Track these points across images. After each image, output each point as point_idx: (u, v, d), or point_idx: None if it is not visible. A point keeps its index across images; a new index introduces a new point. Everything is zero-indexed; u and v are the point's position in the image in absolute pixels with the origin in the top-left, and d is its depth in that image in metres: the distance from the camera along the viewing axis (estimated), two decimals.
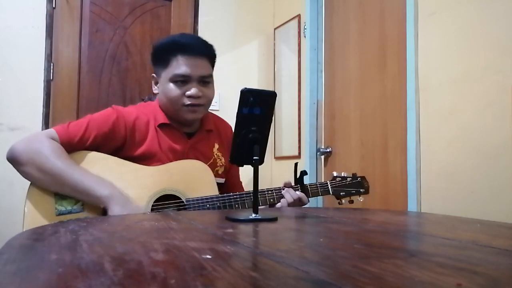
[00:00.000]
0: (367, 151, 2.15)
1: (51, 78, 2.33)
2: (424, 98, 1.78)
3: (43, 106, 2.28)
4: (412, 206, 1.78)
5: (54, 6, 2.35)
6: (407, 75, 1.86)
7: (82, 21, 2.44)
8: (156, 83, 1.34)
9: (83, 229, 0.66)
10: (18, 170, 1.13)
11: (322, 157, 2.48)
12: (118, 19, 2.54)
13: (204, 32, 2.66)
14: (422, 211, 1.75)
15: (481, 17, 1.56)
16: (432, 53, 1.76)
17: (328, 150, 2.43)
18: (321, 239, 0.64)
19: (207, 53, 1.30)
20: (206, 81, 1.29)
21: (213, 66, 1.33)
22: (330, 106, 2.47)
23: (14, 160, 1.12)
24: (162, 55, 1.28)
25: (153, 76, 1.34)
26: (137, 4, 2.59)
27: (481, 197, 1.52)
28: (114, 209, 1.08)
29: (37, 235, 0.63)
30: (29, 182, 1.14)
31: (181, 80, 1.26)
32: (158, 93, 1.34)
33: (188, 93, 1.25)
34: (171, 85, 1.26)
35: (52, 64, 2.33)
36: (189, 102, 1.26)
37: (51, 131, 1.16)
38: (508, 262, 0.48)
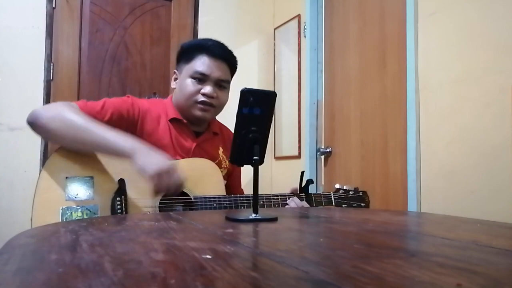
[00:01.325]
0: (367, 151, 2.15)
1: (51, 78, 2.33)
2: (424, 98, 1.78)
3: (43, 106, 2.28)
4: (412, 206, 1.78)
5: (54, 6, 2.34)
6: (407, 75, 1.86)
7: (82, 21, 2.44)
8: (175, 79, 1.40)
9: (83, 229, 0.66)
10: (38, 130, 1.12)
11: (322, 157, 2.48)
12: (118, 19, 2.54)
13: (204, 32, 2.66)
14: (422, 211, 1.75)
15: (481, 17, 1.56)
16: (432, 53, 1.76)
17: (328, 150, 2.43)
18: (321, 239, 0.64)
19: (229, 59, 1.37)
20: (222, 85, 1.35)
21: (232, 74, 1.40)
22: (330, 106, 2.47)
23: (35, 120, 1.11)
24: (188, 52, 1.35)
25: (174, 72, 1.41)
26: (137, 4, 2.59)
27: (481, 197, 1.52)
28: (139, 159, 1.06)
29: (37, 235, 0.63)
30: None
31: (199, 78, 1.31)
32: (175, 88, 1.39)
33: (203, 90, 1.31)
34: (189, 80, 1.32)
35: (52, 64, 2.33)
36: (202, 99, 1.31)
37: (70, 102, 1.19)
38: (508, 262, 0.48)
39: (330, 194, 1.37)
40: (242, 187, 1.54)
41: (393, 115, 1.99)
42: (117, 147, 1.09)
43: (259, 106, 0.81)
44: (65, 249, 0.51)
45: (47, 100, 2.30)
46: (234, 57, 1.39)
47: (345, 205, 1.37)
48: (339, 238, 0.64)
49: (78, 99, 2.39)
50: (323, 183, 2.46)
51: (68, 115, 1.11)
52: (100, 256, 0.45)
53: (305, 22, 2.59)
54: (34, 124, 1.12)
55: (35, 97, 2.26)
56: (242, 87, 0.81)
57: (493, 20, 1.52)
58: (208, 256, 0.45)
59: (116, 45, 2.52)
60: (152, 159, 1.07)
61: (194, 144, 1.34)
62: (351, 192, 1.39)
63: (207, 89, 1.30)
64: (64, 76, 2.37)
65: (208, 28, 2.69)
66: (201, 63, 1.31)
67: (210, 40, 1.37)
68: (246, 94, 0.80)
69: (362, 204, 1.39)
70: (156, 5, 2.64)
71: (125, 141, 1.09)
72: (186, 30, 2.70)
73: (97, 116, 1.18)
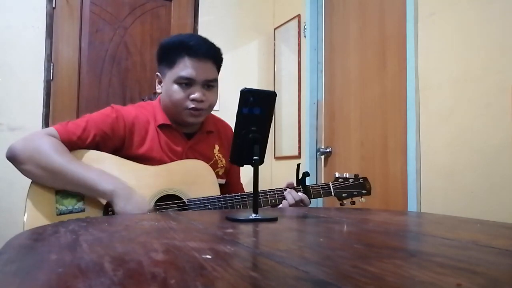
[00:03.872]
0: (367, 151, 2.15)
1: (51, 78, 2.33)
2: (424, 98, 1.78)
3: (43, 106, 2.28)
4: (412, 206, 1.78)
5: (54, 6, 2.35)
6: (407, 75, 1.86)
7: (82, 21, 2.44)
8: (160, 82, 1.32)
9: (83, 229, 0.66)
10: (18, 169, 1.12)
11: (322, 157, 2.48)
12: (118, 19, 2.54)
13: (204, 32, 2.65)
14: (422, 211, 1.75)
15: (481, 17, 1.56)
16: (432, 53, 1.76)
17: (328, 150, 2.43)
18: (321, 239, 0.64)
19: (214, 56, 1.28)
20: (210, 85, 1.28)
21: (218, 70, 1.32)
22: (330, 106, 2.47)
23: (13, 158, 1.11)
24: (169, 54, 1.27)
25: (157, 74, 1.33)
26: (137, 4, 2.59)
27: (481, 197, 1.52)
28: (118, 204, 1.08)
29: (37, 235, 0.63)
30: (29, 182, 1.13)
31: (186, 83, 1.24)
32: (160, 93, 1.32)
33: (192, 96, 1.24)
34: (175, 86, 1.25)
35: (52, 64, 2.33)
36: (192, 106, 1.25)
37: (51, 129, 1.16)
38: (508, 262, 0.48)
39: (329, 184, 1.32)
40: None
41: (393, 115, 1.99)
42: (96, 189, 1.09)
43: (259, 106, 0.81)
44: (65, 249, 0.51)
45: (47, 100, 2.30)
46: (218, 51, 1.30)
47: (346, 195, 1.31)
48: (339, 238, 0.64)
49: (78, 99, 2.40)
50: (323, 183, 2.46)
51: (44, 157, 1.09)
52: (100, 256, 0.45)
53: (305, 22, 2.59)
54: (12, 162, 1.12)
55: (35, 97, 2.26)
56: (242, 87, 0.81)
57: (493, 20, 1.52)
58: (208, 256, 0.45)
59: (116, 45, 2.52)
60: (129, 206, 1.08)
61: (186, 148, 1.30)
62: (351, 180, 1.34)
63: (196, 95, 1.24)
64: (64, 76, 2.37)
65: (208, 28, 2.69)
66: (185, 67, 1.23)
67: (191, 36, 1.29)
68: (246, 94, 0.80)
69: (363, 191, 1.33)
70: (156, 5, 2.64)
71: (104, 184, 1.09)
72: (186, 30, 2.70)
73: (78, 141, 1.16)
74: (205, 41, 1.29)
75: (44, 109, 2.28)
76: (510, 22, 1.47)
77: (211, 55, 1.27)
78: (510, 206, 1.42)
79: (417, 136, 1.79)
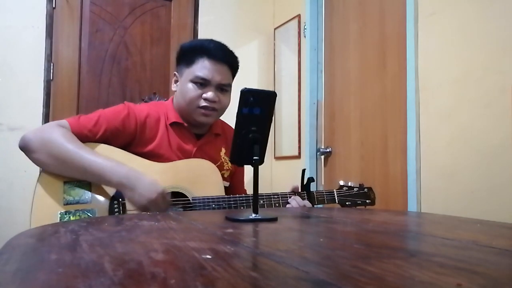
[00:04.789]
0: (367, 151, 2.15)
1: (51, 78, 2.33)
2: (424, 98, 1.78)
3: (43, 106, 2.28)
4: (412, 206, 1.78)
5: (54, 6, 2.35)
6: (407, 75, 1.86)
7: (82, 21, 2.44)
8: (176, 81, 1.37)
9: (83, 229, 0.66)
10: (30, 158, 1.14)
11: (322, 157, 2.48)
12: (118, 19, 2.54)
13: (204, 32, 2.66)
14: (422, 211, 1.75)
15: (481, 17, 1.56)
16: (432, 53, 1.76)
17: (328, 150, 2.43)
18: (321, 239, 0.64)
19: (231, 62, 1.34)
20: (224, 89, 1.33)
21: (233, 76, 1.38)
22: (330, 106, 2.47)
23: (25, 147, 1.13)
24: (189, 54, 1.32)
25: (174, 74, 1.38)
26: (137, 4, 2.59)
27: (481, 197, 1.52)
28: (127, 194, 1.11)
29: (37, 235, 0.63)
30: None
31: (201, 83, 1.29)
32: (175, 91, 1.37)
33: (204, 95, 1.29)
34: (190, 85, 1.29)
35: (52, 64, 2.33)
36: (204, 104, 1.29)
37: (63, 121, 1.18)
38: (508, 262, 0.48)
39: (333, 192, 1.33)
40: None
41: (393, 115, 1.99)
42: (104, 179, 1.11)
43: (259, 106, 0.81)
44: (65, 249, 0.51)
45: (47, 100, 2.30)
46: (236, 58, 1.36)
47: (349, 203, 1.32)
48: (339, 238, 0.64)
49: (78, 99, 2.40)
50: (323, 183, 2.46)
51: (55, 145, 1.11)
52: (100, 256, 0.45)
53: (305, 22, 2.59)
54: (24, 151, 1.14)
55: (35, 97, 2.26)
56: (242, 87, 0.81)
57: (493, 20, 1.52)
58: (208, 256, 0.45)
59: (116, 45, 2.52)
60: (139, 191, 1.08)
61: (195, 148, 1.33)
62: (355, 189, 1.34)
63: (209, 94, 1.28)
64: (64, 76, 2.37)
65: (208, 28, 2.69)
66: (202, 67, 1.28)
67: (211, 41, 1.34)
68: (246, 94, 0.80)
69: (367, 201, 1.33)
70: (156, 5, 2.64)
71: (111, 174, 1.10)
72: (186, 30, 2.70)
73: (89, 134, 1.18)
74: (224, 47, 1.34)
75: (44, 109, 2.28)
76: (510, 22, 1.47)
77: (229, 60, 1.33)
78: (510, 206, 1.42)
79: (417, 136, 1.79)
